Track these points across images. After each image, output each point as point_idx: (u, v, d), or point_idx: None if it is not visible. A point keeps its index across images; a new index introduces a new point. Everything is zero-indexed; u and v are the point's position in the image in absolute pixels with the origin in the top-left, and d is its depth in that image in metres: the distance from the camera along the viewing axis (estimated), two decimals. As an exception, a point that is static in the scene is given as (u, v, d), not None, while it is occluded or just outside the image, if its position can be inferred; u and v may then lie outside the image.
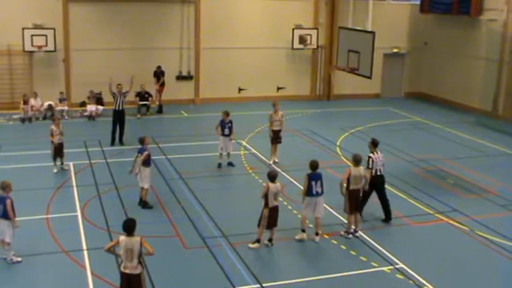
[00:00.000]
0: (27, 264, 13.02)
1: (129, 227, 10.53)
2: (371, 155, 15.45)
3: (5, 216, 12.73)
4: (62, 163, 19.08)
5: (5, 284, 12.26)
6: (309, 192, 14.19)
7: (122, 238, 10.46)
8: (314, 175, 14.26)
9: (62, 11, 27.63)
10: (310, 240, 14.50)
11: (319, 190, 14.24)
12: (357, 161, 14.67)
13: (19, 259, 13.04)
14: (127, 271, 10.46)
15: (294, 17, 31.12)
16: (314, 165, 14.33)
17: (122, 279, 10.61)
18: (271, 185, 13.71)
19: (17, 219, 12.98)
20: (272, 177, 13.80)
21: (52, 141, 18.75)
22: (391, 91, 33.81)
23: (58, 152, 18.86)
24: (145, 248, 10.43)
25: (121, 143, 22.36)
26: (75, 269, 12.77)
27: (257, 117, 25.96)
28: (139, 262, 10.47)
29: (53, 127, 18.82)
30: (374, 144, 15.69)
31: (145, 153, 16.06)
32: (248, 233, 14.26)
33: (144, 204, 16.25)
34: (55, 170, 18.81)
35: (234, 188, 18.44)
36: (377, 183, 15.53)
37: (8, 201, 12.69)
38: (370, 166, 15.27)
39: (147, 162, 16.10)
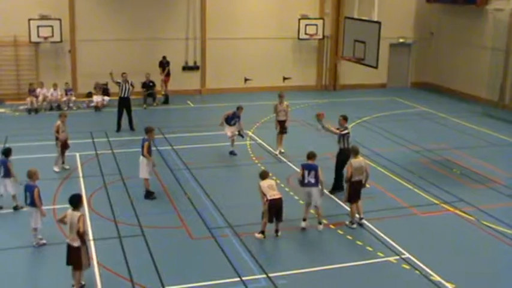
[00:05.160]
0: (33, 254, 13.10)
1: (72, 201, 11.39)
2: (347, 130, 16.66)
3: (33, 204, 13.07)
4: (63, 162, 18.41)
5: (9, 275, 12.28)
6: (302, 181, 14.36)
7: (69, 211, 11.35)
8: (308, 165, 14.41)
9: (68, 1, 27.61)
10: (315, 230, 14.55)
11: (312, 180, 14.30)
12: (354, 152, 14.84)
13: (44, 241, 13.35)
14: (67, 241, 11.34)
15: (300, 7, 31.02)
16: (309, 155, 14.59)
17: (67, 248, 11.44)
18: (262, 182, 13.86)
19: (25, 209, 13.17)
20: (261, 176, 14.01)
21: (57, 138, 18.12)
22: (397, 81, 33.69)
23: (64, 147, 18.33)
24: (78, 225, 11.07)
25: (132, 129, 22.91)
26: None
27: (263, 108, 25.90)
28: (80, 237, 11.13)
29: (59, 123, 18.15)
30: (346, 119, 16.90)
31: (146, 144, 16.03)
32: (254, 223, 14.27)
33: (146, 194, 16.26)
34: (57, 169, 18.18)
35: (240, 178, 18.45)
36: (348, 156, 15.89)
37: (36, 190, 13.02)
38: (349, 141, 16.71)
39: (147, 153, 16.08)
